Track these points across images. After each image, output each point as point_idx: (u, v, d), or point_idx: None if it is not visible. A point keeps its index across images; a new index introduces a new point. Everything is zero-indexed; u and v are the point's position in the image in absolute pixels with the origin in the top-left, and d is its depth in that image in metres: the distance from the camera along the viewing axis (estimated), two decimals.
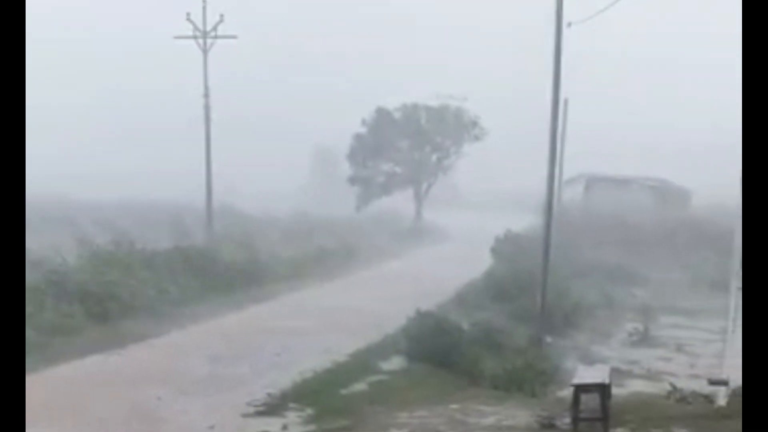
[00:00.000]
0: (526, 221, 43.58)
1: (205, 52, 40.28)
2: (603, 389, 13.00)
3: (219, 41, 40.18)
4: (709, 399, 14.64)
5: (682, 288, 33.88)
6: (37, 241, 23.89)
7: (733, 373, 13.01)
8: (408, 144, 57.50)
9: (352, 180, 56.42)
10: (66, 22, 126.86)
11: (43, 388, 14.44)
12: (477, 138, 58.76)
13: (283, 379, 16.54)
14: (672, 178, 60.00)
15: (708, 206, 48.61)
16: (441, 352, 18.35)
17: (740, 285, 12.50)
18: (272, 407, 14.64)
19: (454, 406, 14.68)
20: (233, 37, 40.65)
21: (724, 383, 14.47)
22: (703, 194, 55.71)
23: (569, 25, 22.81)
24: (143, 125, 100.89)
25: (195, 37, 40.11)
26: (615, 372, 16.49)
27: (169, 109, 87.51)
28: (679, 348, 23.03)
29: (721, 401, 14.13)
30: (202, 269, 28.21)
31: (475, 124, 58.13)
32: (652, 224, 44.14)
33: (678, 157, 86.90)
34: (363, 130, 56.78)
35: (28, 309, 15.81)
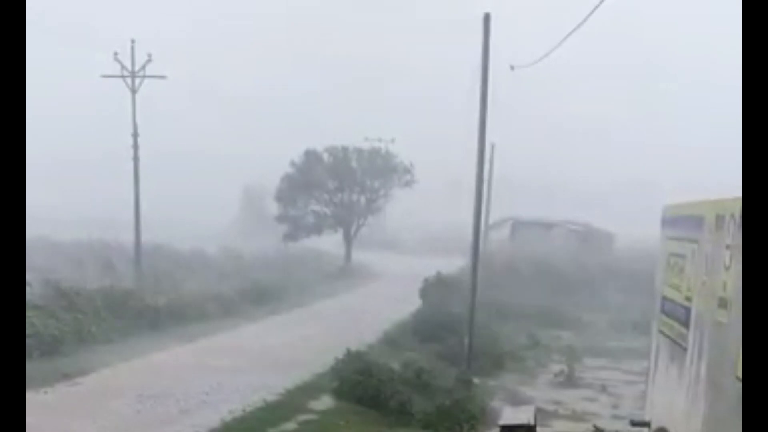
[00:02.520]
0: (454, 263, 44.14)
1: (133, 91, 40.26)
2: (529, 430, 13.28)
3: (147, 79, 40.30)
4: None
5: (605, 330, 34.66)
6: None
7: (655, 414, 13.39)
8: (337, 185, 57.81)
9: (281, 219, 56.42)
10: None
11: None
12: (407, 184, 59.47)
13: (213, 418, 16.54)
14: (595, 222, 61.39)
15: (630, 248, 49.85)
16: (370, 392, 18.57)
17: (661, 327, 12.97)
18: None
19: None
20: (162, 77, 40.73)
21: (646, 424, 14.84)
22: (626, 236, 57.15)
23: (512, 68, 23.64)
24: (72, 163, 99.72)
25: (123, 77, 40.08)
26: (540, 412, 16.86)
27: (97, 147, 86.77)
28: (603, 388, 23.57)
29: None
30: (129, 309, 28.08)
31: (406, 170, 58.82)
32: (576, 267, 45.10)
33: (602, 202, 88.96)
34: (292, 170, 56.94)
35: None
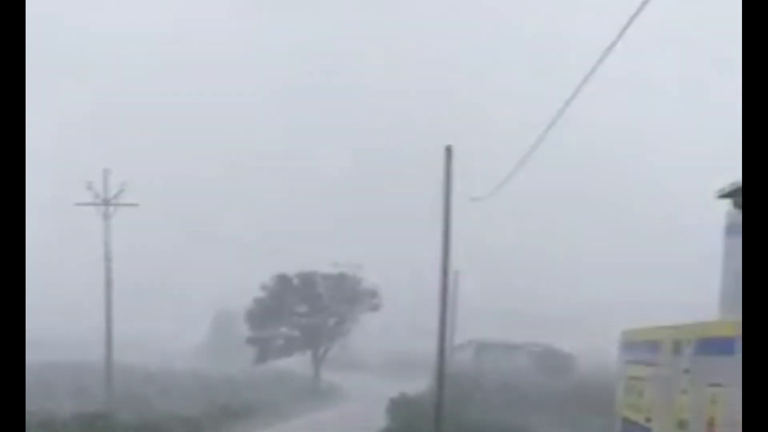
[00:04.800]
0: (420, 383, 44.85)
1: (106, 218, 41.37)
2: None
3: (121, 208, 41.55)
4: None
5: None
6: None
7: None
8: (306, 309, 58.92)
9: (251, 341, 57.18)
10: None
11: None
12: (374, 308, 60.70)
13: None
14: (556, 344, 62.53)
15: (590, 370, 50.78)
16: None
17: None
18: None
19: None
20: (134, 204, 41.87)
21: None
22: (586, 358, 58.13)
23: (473, 200, 24.71)
24: (47, 289, 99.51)
25: (96, 204, 41.20)
26: None
27: (71, 273, 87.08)
28: None
29: None
30: (100, 429, 28.45)
31: (374, 294, 60.16)
32: (538, 387, 45.90)
33: (563, 325, 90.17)
34: (262, 294, 58.03)
35: None
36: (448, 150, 24.56)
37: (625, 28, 11.65)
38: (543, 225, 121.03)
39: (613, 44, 12.21)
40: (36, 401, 29.12)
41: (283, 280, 58.43)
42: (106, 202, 41.20)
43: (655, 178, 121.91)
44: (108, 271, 41.59)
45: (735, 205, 7.64)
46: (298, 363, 60.36)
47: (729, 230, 9.39)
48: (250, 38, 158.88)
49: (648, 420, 11.23)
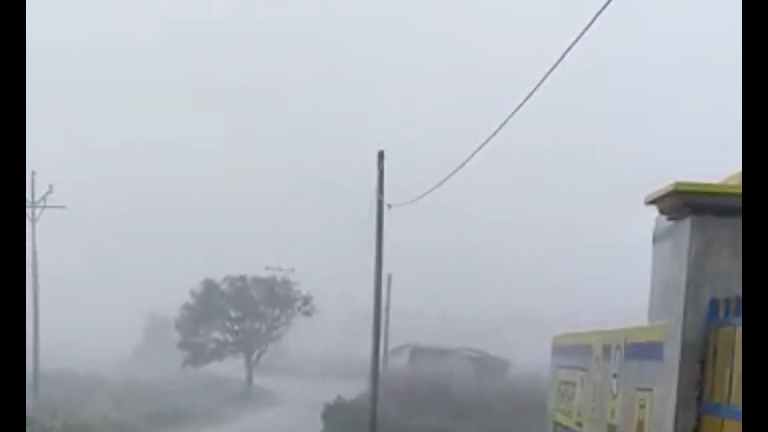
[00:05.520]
0: (354, 388, 44.89)
1: (33, 221, 40.83)
2: None
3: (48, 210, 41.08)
4: None
5: None
6: None
7: None
8: (238, 313, 58.56)
9: (182, 346, 56.59)
10: None
11: None
12: (307, 313, 60.63)
13: None
14: (490, 350, 63.18)
15: (523, 375, 51.44)
16: None
17: None
18: None
19: None
20: (62, 207, 41.41)
21: None
22: (518, 364, 58.85)
23: (389, 207, 24.78)
24: None
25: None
26: None
27: None
28: None
29: None
30: None
31: (306, 301, 60.10)
32: (472, 392, 46.30)
33: (496, 331, 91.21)
34: (191, 300, 57.53)
35: None
36: (380, 155, 24.73)
37: (571, 46, 11.71)
38: (476, 229, 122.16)
39: (568, 50, 12.22)
40: None
41: (210, 285, 58.01)
42: (33, 205, 40.70)
43: (590, 186, 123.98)
44: (35, 275, 41.04)
45: (661, 211, 7.65)
46: (231, 368, 59.99)
47: (655, 237, 9.43)
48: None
49: (579, 424, 11.18)
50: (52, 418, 30.82)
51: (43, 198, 40.84)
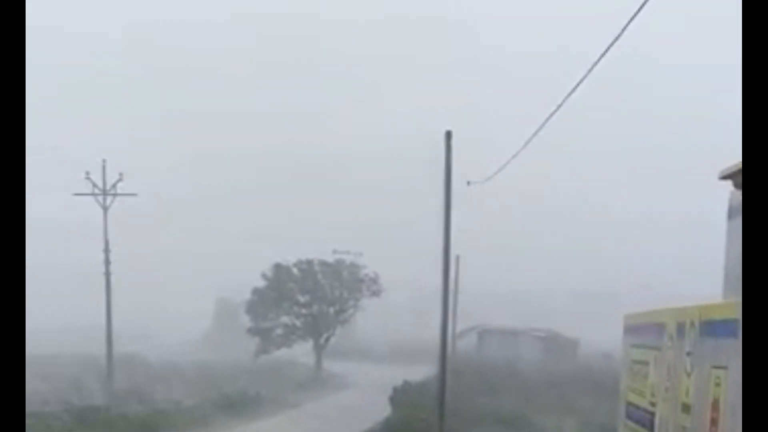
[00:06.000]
0: (422, 371, 44.74)
1: (105, 208, 41.18)
2: None
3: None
4: None
5: None
6: None
7: None
8: (306, 298, 58.79)
9: (252, 332, 57.05)
10: None
11: None
12: (375, 294, 60.55)
13: None
14: (559, 330, 62.42)
15: (595, 354, 50.76)
16: None
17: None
18: None
19: None
20: (133, 194, 41.68)
21: None
22: (589, 343, 58.07)
23: (468, 183, 24.50)
24: (47, 281, 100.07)
25: (94, 195, 41.02)
26: None
27: (71, 265, 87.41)
28: None
29: None
30: (100, 422, 28.27)
31: (373, 280, 60.03)
32: (541, 372, 45.83)
33: (565, 310, 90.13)
34: (262, 284, 57.88)
35: None
36: (448, 135, 24.44)
37: (631, 19, 11.50)
38: (544, 209, 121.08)
39: (622, 31, 12.07)
40: (37, 394, 29.06)
41: (281, 269, 58.27)
42: (105, 192, 41.01)
43: (661, 161, 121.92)
44: (107, 263, 41.47)
45: (736, 186, 7.41)
46: (300, 351, 60.32)
47: (730, 213, 9.08)
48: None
49: (652, 404, 11.03)
50: (124, 405, 31.20)
51: (114, 186, 41.13)
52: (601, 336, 41.84)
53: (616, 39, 12.41)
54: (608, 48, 12.92)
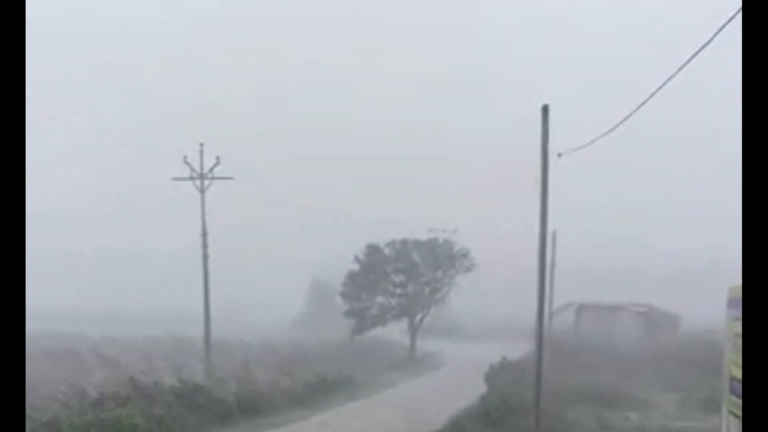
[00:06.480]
0: (518, 348, 44.21)
1: (202, 192, 41.53)
2: None
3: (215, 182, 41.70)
4: None
5: (674, 410, 34.28)
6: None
7: None
8: (401, 278, 58.73)
9: (348, 314, 57.37)
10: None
11: None
12: (468, 269, 60.04)
13: None
14: (659, 304, 60.99)
15: (696, 329, 49.40)
16: None
17: (730, 408, 12.72)
18: None
19: None
20: (230, 178, 41.86)
21: None
22: (691, 318, 56.57)
23: (559, 155, 23.87)
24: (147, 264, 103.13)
25: (192, 179, 41.40)
26: None
27: (169, 249, 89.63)
28: None
29: None
30: (200, 403, 28.60)
31: (465, 255, 59.51)
32: (641, 348, 44.83)
33: (666, 285, 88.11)
34: (355, 266, 58.04)
35: None
36: (545, 109, 23.82)
37: None
38: (641, 184, 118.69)
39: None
40: (137, 375, 29.64)
41: (374, 250, 58.29)
42: (202, 176, 41.35)
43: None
44: (204, 246, 41.88)
45: None
46: (394, 330, 60.36)
47: None
48: None
49: None
50: (224, 385, 31.53)
51: (211, 170, 41.43)
52: (704, 312, 40.56)
53: (719, 30, 12.30)
54: (711, 39, 12.82)
